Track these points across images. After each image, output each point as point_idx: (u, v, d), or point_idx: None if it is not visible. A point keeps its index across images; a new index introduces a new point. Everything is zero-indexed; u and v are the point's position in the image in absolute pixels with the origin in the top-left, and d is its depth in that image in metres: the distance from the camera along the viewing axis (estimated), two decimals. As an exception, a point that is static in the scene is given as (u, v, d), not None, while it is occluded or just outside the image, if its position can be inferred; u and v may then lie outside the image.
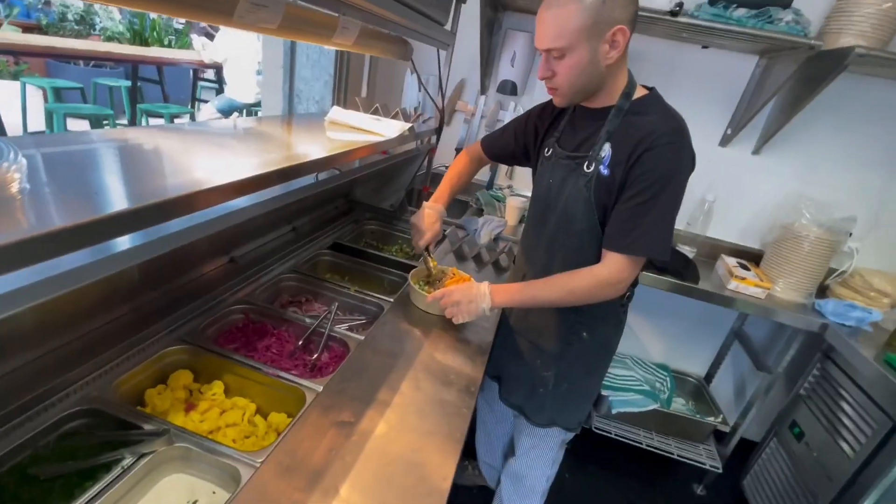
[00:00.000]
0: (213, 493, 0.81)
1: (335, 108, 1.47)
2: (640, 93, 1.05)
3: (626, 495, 2.11)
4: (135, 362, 0.96)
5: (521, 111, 2.29)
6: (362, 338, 1.20)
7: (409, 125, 1.56)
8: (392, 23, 1.14)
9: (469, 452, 1.81)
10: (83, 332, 0.92)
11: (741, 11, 1.62)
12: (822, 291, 2.03)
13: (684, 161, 0.99)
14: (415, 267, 1.63)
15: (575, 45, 0.93)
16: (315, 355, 1.18)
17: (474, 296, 1.14)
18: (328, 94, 2.00)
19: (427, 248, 1.38)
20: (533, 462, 1.44)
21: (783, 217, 1.98)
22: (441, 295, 1.21)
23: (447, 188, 1.43)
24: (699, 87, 2.04)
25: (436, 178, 2.40)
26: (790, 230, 1.92)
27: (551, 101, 1.14)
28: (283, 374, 1.02)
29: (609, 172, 1.02)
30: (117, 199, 0.61)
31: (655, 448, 2.10)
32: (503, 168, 2.40)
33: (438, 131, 1.98)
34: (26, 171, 0.57)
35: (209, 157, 0.93)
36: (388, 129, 1.44)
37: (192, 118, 5.07)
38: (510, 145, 1.32)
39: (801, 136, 2.00)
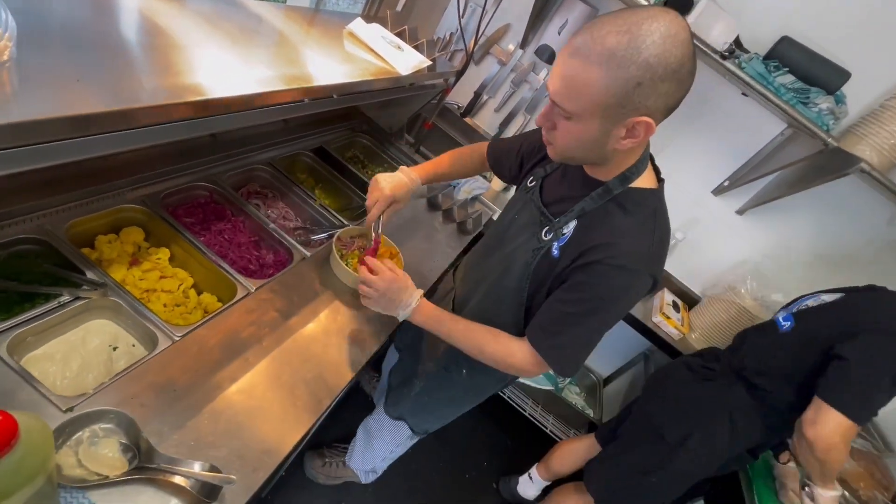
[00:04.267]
0: (133, 345, 0.95)
1: (358, 20, 1.41)
2: (643, 181, 0.86)
3: (489, 440, 2.43)
4: (92, 209, 1.04)
5: (550, 81, 2.21)
6: (308, 253, 1.30)
7: (428, 63, 1.52)
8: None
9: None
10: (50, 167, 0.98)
11: (787, 79, 1.58)
12: (730, 351, 2.24)
13: (632, 291, 0.86)
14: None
15: (586, 117, 0.74)
16: (258, 253, 1.29)
17: (399, 301, 1.02)
18: (367, -13, 1.87)
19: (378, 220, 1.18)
20: (383, 433, 1.43)
21: (730, 278, 2.11)
22: (368, 277, 1.04)
23: (433, 168, 1.27)
24: (721, 130, 2.02)
25: (443, 114, 2.36)
26: (728, 292, 2.06)
27: None
28: (224, 264, 1.12)
29: (558, 255, 0.89)
30: (98, 92, 0.64)
31: (535, 419, 2.41)
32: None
33: (459, 74, 1.92)
34: (16, 36, 0.60)
35: (218, 53, 0.92)
36: (404, 63, 1.41)
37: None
38: (512, 153, 1.16)
39: (786, 214, 2.06)
